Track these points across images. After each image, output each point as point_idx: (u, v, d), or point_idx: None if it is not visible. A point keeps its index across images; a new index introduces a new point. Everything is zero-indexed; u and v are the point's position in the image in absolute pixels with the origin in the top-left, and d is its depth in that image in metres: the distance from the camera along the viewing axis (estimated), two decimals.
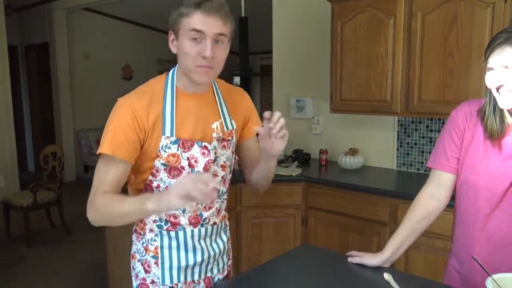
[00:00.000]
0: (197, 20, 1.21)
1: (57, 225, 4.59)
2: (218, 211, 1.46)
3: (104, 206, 1.25)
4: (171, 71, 1.36)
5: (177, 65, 1.34)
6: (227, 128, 1.40)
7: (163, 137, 1.28)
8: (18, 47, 7.10)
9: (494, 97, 1.25)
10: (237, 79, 8.45)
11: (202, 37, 1.21)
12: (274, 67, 3.76)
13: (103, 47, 7.03)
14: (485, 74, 1.24)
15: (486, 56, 1.22)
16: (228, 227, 1.56)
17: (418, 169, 2.98)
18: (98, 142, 1.31)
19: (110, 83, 6.99)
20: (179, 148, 1.30)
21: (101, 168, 1.29)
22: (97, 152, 1.27)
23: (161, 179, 1.33)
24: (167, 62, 7.47)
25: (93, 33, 6.92)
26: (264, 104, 8.91)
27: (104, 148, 1.24)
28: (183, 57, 1.26)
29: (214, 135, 1.36)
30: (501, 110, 1.26)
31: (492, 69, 1.21)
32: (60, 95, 6.64)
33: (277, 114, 1.25)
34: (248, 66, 8.44)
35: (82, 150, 6.89)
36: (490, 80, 1.22)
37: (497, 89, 1.21)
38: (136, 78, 7.37)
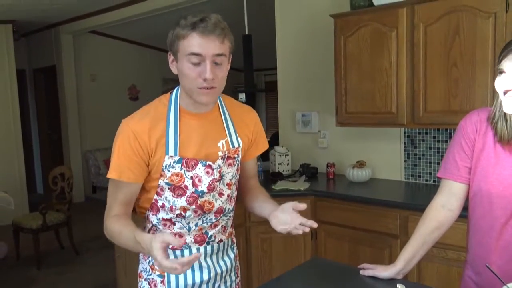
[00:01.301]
0: (194, 42, 1.19)
1: (66, 246, 4.58)
2: (224, 228, 1.45)
3: (111, 235, 1.30)
4: (174, 90, 1.36)
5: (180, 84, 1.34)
6: (233, 146, 1.39)
7: (166, 156, 1.27)
8: (26, 71, 7.21)
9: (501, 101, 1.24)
10: (242, 96, 8.50)
11: (201, 59, 1.21)
12: (279, 82, 3.78)
13: (109, 68, 7.12)
14: (495, 77, 1.24)
15: (499, 59, 1.22)
16: (235, 244, 1.54)
17: (426, 180, 2.96)
18: (106, 162, 1.35)
19: (117, 104, 7.05)
20: (182, 167, 1.29)
21: (110, 191, 1.33)
22: (107, 176, 1.30)
23: (165, 198, 1.32)
24: (172, 81, 7.53)
25: (99, 55, 7.02)
26: (270, 120, 8.93)
27: (111, 172, 1.28)
28: (184, 79, 1.25)
29: (220, 153, 1.35)
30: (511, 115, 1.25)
31: (504, 72, 1.20)
32: (67, 116, 6.70)
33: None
34: (253, 82, 8.51)
35: (90, 171, 6.91)
36: (500, 83, 1.22)
37: (504, 93, 1.20)
38: (142, 98, 7.44)
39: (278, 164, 3.40)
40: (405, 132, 3.03)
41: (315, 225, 1.26)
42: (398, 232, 2.48)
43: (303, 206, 1.28)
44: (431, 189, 2.79)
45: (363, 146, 3.25)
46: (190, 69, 1.22)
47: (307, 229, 1.26)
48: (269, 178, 3.26)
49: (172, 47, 1.25)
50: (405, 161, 3.05)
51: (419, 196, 2.73)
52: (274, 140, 4.91)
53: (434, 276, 2.33)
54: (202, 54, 1.20)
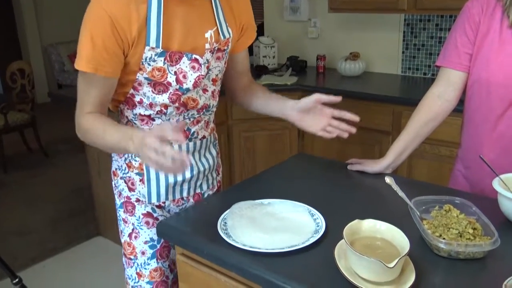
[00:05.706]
0: None
1: (34, 149, 4.63)
2: (207, 123, 1.45)
3: (88, 133, 1.25)
4: None
5: None
6: (224, 37, 1.32)
7: (147, 48, 1.20)
8: None
9: None
10: None
11: None
12: None
13: None
14: None
15: None
16: (217, 141, 1.56)
17: (425, 73, 2.96)
18: (70, 58, 1.25)
19: None
20: (165, 61, 1.23)
21: (82, 87, 1.24)
22: (75, 67, 1.20)
23: (144, 93, 1.28)
24: None
25: None
26: (255, 7, 8.60)
27: (84, 65, 1.18)
28: None
29: (207, 46, 1.28)
30: None
31: None
32: (22, 6, 6.34)
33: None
34: None
35: (54, 67, 6.74)
36: None
37: None
38: None
39: (263, 57, 3.35)
40: (405, 20, 2.95)
41: (356, 118, 1.25)
42: (390, 128, 2.54)
43: (335, 98, 1.26)
44: (428, 83, 2.76)
45: (358, 36, 3.19)
46: None
47: (344, 131, 1.29)
48: (253, 73, 3.23)
49: None
50: (403, 52, 3.01)
51: (415, 90, 2.75)
52: (259, 32, 4.79)
53: (425, 172, 2.43)
54: None
